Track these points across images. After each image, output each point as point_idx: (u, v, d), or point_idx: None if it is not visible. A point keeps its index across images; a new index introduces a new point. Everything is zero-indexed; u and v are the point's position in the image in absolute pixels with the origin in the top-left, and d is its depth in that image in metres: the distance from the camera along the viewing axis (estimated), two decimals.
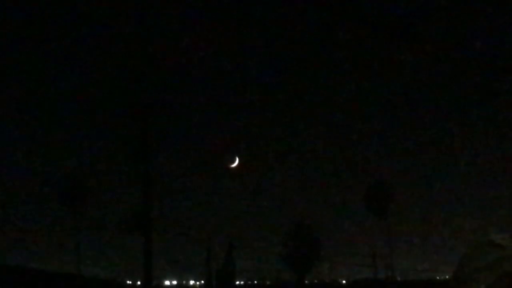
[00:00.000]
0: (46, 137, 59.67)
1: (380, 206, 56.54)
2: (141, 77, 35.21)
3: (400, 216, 57.65)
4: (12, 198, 51.80)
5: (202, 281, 47.28)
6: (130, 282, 53.00)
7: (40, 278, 31.36)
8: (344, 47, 61.10)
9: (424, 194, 60.93)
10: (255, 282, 63.99)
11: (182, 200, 49.60)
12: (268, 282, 63.41)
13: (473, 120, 62.34)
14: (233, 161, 39.76)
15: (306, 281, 55.10)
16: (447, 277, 53.74)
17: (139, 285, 44.20)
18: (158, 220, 35.84)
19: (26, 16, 60.73)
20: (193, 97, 61.17)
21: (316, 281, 62.56)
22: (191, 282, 64.82)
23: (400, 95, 64.79)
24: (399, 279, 59.04)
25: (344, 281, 67.97)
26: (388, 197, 56.75)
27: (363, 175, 61.30)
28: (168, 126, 37.84)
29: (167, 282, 61.08)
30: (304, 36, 66.27)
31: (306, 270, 53.14)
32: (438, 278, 59.73)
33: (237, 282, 50.17)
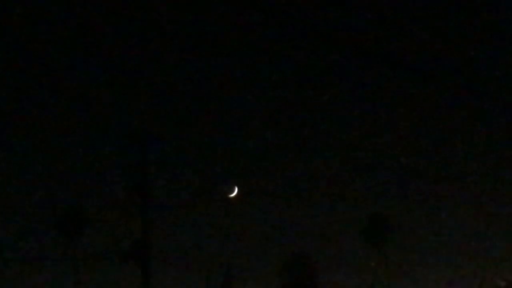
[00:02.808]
0: (43, 165, 59.35)
1: (379, 238, 56.24)
2: (140, 106, 35.35)
3: (401, 249, 57.15)
4: (9, 228, 51.52)
5: None
6: None
7: None
8: (349, 77, 61.22)
9: (424, 226, 60.47)
10: None
11: (180, 229, 49.33)
12: None
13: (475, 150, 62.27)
14: (232, 191, 39.63)
15: None
16: None
17: None
18: (156, 250, 35.68)
19: (22, 40, 61.01)
20: (191, 125, 61.19)
21: None
22: None
23: (400, 122, 64.69)
24: None
25: None
26: (387, 229, 56.44)
27: (362, 206, 60.87)
28: (167, 154, 37.84)
29: None
30: (307, 71, 66.56)
31: None
32: None
33: None
